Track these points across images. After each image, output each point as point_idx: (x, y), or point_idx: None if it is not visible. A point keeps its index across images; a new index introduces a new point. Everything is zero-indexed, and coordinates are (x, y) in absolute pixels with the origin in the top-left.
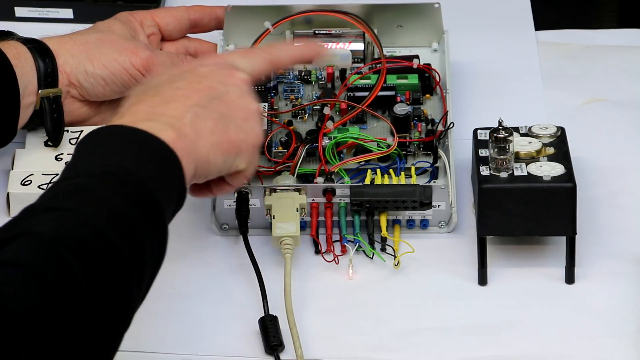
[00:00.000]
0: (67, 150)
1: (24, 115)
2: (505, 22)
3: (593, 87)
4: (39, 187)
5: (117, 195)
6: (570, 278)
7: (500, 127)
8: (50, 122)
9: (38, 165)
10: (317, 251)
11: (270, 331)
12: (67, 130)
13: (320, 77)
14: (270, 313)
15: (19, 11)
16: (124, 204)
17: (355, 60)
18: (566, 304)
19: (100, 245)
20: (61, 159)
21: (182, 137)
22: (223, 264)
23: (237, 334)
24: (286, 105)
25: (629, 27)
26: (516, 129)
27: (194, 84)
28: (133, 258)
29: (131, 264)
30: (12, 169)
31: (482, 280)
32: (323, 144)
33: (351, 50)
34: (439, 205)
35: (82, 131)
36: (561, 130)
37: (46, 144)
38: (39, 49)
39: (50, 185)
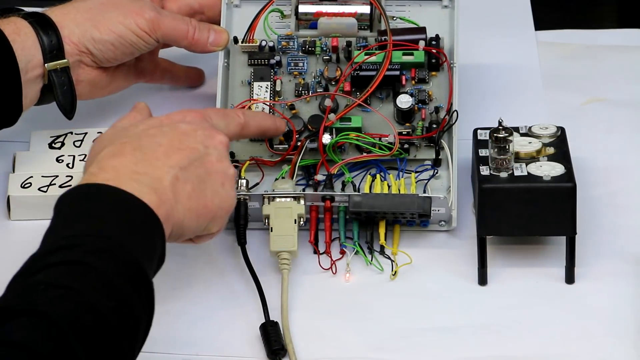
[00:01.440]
0: (68, 152)
1: (33, 90)
2: (505, 22)
3: (593, 87)
4: (39, 189)
5: (116, 276)
6: (570, 278)
7: (500, 127)
8: (61, 95)
9: (39, 167)
10: (316, 251)
11: (271, 336)
12: (72, 132)
13: (325, 47)
14: (271, 319)
15: None
16: (123, 285)
17: (362, 27)
18: (566, 304)
19: (102, 329)
20: (62, 160)
21: (163, 203)
22: (224, 264)
23: (238, 334)
24: (289, 81)
25: (629, 27)
26: (516, 129)
27: (175, 142)
28: (129, 338)
29: (127, 343)
30: (13, 171)
31: (482, 280)
32: (324, 141)
33: (357, 14)
34: (438, 210)
35: (86, 133)
36: (561, 130)
37: (50, 146)
38: (41, 23)
39: (45, 249)
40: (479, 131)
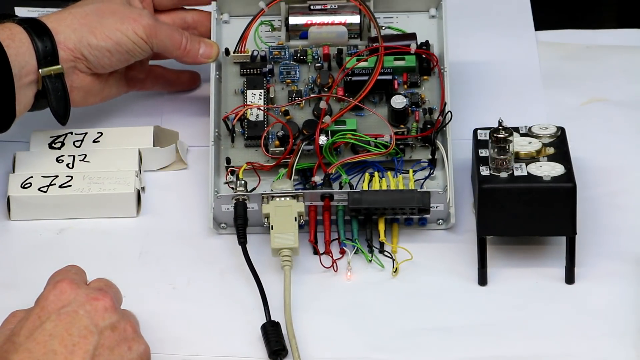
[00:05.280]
0: (68, 152)
1: (26, 96)
2: (505, 22)
3: (593, 87)
4: (39, 189)
5: None
6: (570, 278)
7: (500, 127)
8: (54, 100)
9: (38, 167)
10: (316, 252)
11: (272, 337)
12: (72, 132)
13: (316, 56)
14: (273, 319)
15: (19, 11)
16: None
17: (352, 36)
18: (566, 304)
19: None
20: (62, 160)
21: None
22: (223, 264)
23: (238, 334)
24: (282, 89)
25: (629, 27)
26: (516, 129)
27: (66, 341)
28: None
29: None
30: (13, 171)
31: (482, 280)
32: (320, 143)
33: (347, 24)
34: (437, 207)
35: (86, 133)
36: (561, 130)
37: (50, 146)
38: (36, 28)
39: None
40: (479, 131)
